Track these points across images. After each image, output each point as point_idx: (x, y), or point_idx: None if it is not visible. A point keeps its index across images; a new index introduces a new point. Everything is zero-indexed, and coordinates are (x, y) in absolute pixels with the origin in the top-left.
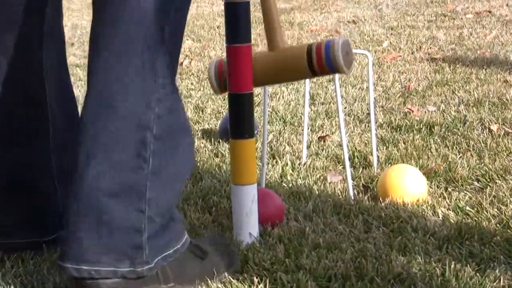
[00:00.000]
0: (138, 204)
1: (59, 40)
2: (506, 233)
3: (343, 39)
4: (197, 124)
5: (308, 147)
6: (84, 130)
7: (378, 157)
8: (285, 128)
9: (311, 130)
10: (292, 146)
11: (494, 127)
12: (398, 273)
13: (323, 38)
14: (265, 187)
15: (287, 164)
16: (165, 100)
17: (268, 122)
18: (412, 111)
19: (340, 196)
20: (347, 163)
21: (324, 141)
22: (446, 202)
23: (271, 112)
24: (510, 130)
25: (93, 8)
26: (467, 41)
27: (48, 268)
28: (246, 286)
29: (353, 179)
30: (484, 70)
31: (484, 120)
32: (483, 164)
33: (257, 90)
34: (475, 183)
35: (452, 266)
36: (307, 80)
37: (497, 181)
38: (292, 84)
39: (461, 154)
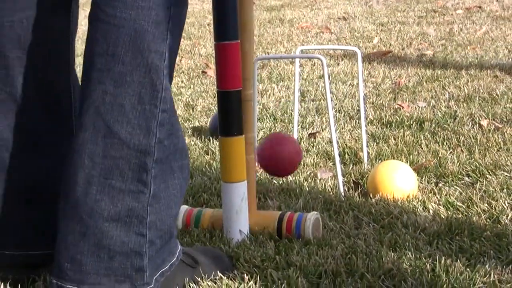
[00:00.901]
0: (139, 228)
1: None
2: (496, 228)
3: (315, 216)
4: (187, 121)
5: (299, 143)
6: (82, 151)
7: (368, 153)
8: (276, 125)
9: (301, 127)
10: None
11: (484, 123)
12: (388, 269)
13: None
14: (256, 184)
15: None
16: (166, 124)
17: (258, 119)
18: (403, 107)
19: (331, 193)
20: (337, 159)
21: (314, 138)
22: (437, 197)
23: (261, 109)
24: (500, 125)
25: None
26: (457, 37)
27: None
28: (236, 284)
29: (343, 176)
30: (474, 65)
31: (474, 116)
32: (473, 160)
33: None
34: (466, 178)
35: (442, 261)
36: (297, 77)
37: (487, 176)
38: (283, 81)
39: (451, 150)
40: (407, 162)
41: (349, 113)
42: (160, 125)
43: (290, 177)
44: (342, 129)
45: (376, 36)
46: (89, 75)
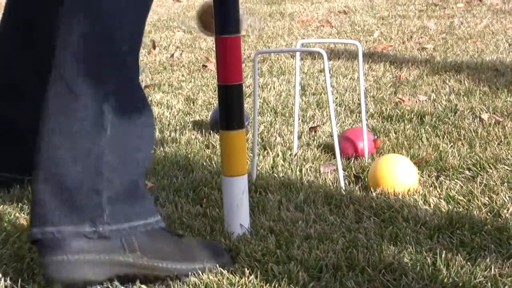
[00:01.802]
0: (96, 166)
1: None
2: (497, 221)
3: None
4: (188, 115)
5: (299, 137)
6: (45, 108)
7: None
8: (276, 119)
9: (302, 120)
10: (283, 137)
11: (485, 116)
12: (389, 263)
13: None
14: (257, 178)
15: (278, 155)
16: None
17: (259, 113)
18: (403, 101)
19: (331, 187)
20: (338, 153)
21: (315, 132)
22: (437, 191)
23: (262, 103)
24: (500, 119)
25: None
26: (457, 31)
27: None
28: (237, 278)
29: (344, 169)
30: (475, 59)
31: (475, 109)
32: (474, 153)
33: (248, 81)
34: (466, 172)
35: (443, 255)
36: (298, 71)
37: (488, 170)
38: (283, 74)
39: (452, 143)
40: (407, 156)
41: (349, 107)
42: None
43: (291, 171)
44: (343, 123)
45: (377, 29)
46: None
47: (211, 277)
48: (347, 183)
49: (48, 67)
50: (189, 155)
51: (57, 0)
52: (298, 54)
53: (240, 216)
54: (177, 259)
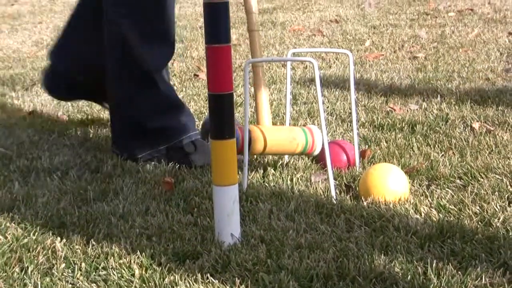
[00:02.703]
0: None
1: None
2: (487, 231)
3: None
4: None
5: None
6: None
7: (360, 156)
8: None
9: None
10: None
11: (476, 125)
12: (380, 272)
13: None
14: (247, 187)
15: (269, 164)
16: None
17: (250, 122)
18: (394, 110)
19: (322, 196)
20: (329, 162)
21: None
22: (428, 200)
23: (253, 112)
24: (491, 128)
25: None
26: (449, 39)
27: None
28: (228, 287)
29: (335, 179)
30: (466, 68)
31: (466, 118)
32: (465, 162)
33: (239, 90)
34: (457, 181)
35: (434, 264)
36: (289, 80)
37: (479, 179)
38: (274, 84)
39: (443, 153)
40: (398, 165)
41: (341, 116)
42: None
43: (282, 180)
44: (334, 132)
45: (368, 38)
46: None
47: (201, 286)
48: (338, 192)
49: None
50: (180, 165)
51: None
52: (289, 63)
53: (231, 226)
54: None
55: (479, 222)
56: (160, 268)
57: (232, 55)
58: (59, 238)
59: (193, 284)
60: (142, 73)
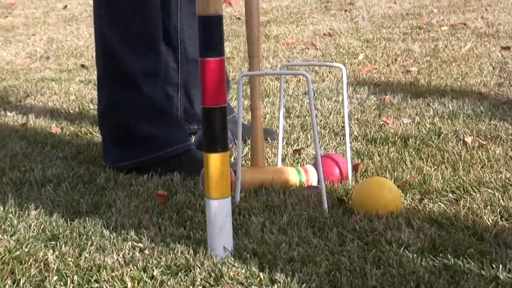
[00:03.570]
0: None
1: None
2: (480, 245)
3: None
4: None
5: (283, 160)
6: None
7: (352, 169)
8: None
9: (286, 143)
10: (267, 159)
11: (468, 139)
12: (372, 286)
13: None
14: (240, 200)
15: None
16: None
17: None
18: (387, 124)
19: (315, 209)
20: (322, 176)
21: (299, 154)
22: (421, 214)
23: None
24: (484, 142)
25: None
26: (442, 53)
27: None
28: None
29: (328, 192)
30: (459, 82)
31: (458, 132)
32: (457, 176)
33: (232, 103)
34: (450, 195)
35: (426, 278)
36: (282, 93)
37: (471, 193)
38: (268, 97)
39: (435, 166)
40: (391, 178)
41: (334, 130)
42: None
43: (274, 193)
44: (327, 145)
45: (362, 52)
46: None
47: None
48: (330, 206)
49: None
50: (173, 177)
51: None
52: (282, 76)
53: (223, 239)
54: None
55: (472, 236)
56: (153, 281)
57: (225, 68)
58: (51, 251)
59: None
60: (124, 74)
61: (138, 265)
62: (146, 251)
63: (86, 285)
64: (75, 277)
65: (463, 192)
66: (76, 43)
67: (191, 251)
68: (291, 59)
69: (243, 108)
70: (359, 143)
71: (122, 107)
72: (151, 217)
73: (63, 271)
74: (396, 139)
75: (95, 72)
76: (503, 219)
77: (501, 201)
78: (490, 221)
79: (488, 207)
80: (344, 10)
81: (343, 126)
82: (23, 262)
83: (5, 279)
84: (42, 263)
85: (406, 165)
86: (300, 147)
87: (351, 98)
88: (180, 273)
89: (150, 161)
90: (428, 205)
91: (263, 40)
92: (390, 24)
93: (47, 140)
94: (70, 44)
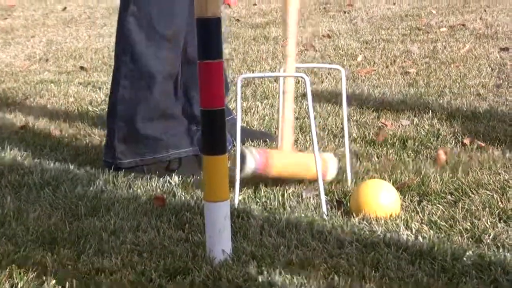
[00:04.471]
0: None
1: None
2: (478, 247)
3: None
4: None
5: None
6: None
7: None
8: (259, 143)
9: None
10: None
11: (467, 141)
12: None
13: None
14: (239, 203)
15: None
16: None
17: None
18: (386, 125)
19: (314, 212)
20: (320, 178)
21: None
22: (419, 216)
23: (245, 127)
24: (482, 144)
25: None
26: (441, 55)
27: None
28: None
29: (326, 195)
30: (457, 83)
31: (457, 134)
32: (456, 178)
33: (231, 105)
34: (448, 196)
35: (425, 281)
36: (281, 95)
37: (470, 194)
38: (267, 99)
39: (434, 168)
40: (390, 180)
41: (333, 131)
42: None
43: (272, 196)
44: (326, 147)
45: (360, 54)
46: None
47: None
48: (329, 208)
49: None
50: (171, 180)
51: None
52: (281, 78)
53: (222, 242)
54: None
55: (470, 239)
56: (151, 284)
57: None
58: (50, 254)
59: None
60: (142, 73)
61: (137, 268)
62: (145, 254)
63: None
64: (74, 280)
65: (461, 194)
66: (75, 45)
67: (190, 254)
68: None
69: (242, 110)
70: (358, 144)
71: (133, 106)
72: (150, 220)
73: (61, 275)
74: (394, 140)
75: (94, 74)
76: (501, 221)
77: (500, 203)
78: (489, 223)
79: (487, 209)
80: (343, 11)
81: (342, 128)
82: (21, 266)
83: (4, 283)
84: (40, 267)
85: (405, 167)
86: (299, 149)
87: (350, 99)
88: (178, 276)
89: (152, 161)
90: (427, 207)
91: (262, 42)
92: (389, 26)
93: (45, 142)
94: (69, 46)
